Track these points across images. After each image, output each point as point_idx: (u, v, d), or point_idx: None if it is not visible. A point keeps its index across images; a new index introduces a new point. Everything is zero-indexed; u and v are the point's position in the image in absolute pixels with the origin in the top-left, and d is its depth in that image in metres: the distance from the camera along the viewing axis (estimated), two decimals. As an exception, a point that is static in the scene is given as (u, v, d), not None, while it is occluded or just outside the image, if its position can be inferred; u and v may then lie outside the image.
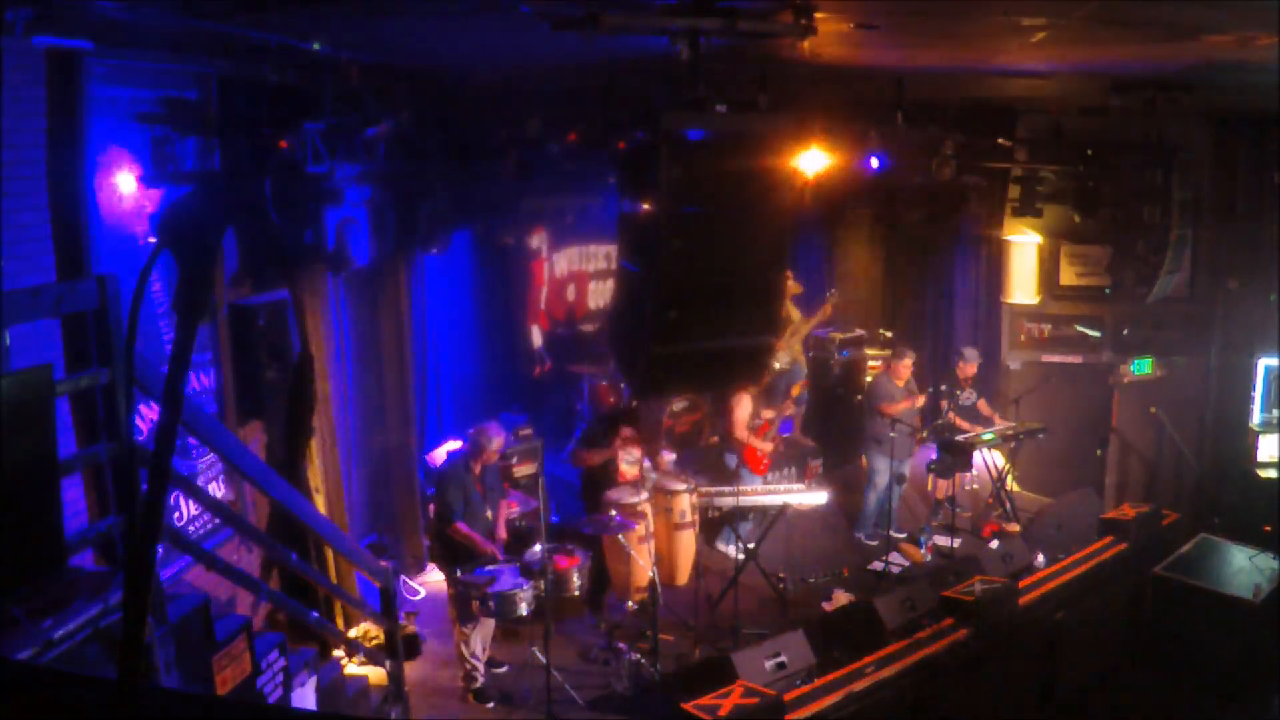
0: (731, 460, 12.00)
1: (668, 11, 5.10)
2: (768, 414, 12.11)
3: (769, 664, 8.01)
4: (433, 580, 10.88)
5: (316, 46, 6.33)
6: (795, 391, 12.61)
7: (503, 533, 9.35)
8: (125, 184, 6.56)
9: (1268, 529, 10.52)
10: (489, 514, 9.19)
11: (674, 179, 5.46)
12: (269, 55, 6.58)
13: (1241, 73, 7.15)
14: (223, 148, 7.18)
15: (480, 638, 9.11)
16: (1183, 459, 12.65)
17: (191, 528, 7.22)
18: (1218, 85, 8.43)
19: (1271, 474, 11.56)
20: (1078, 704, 9.33)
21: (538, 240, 12.71)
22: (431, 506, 9.89)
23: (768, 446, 11.83)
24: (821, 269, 15.43)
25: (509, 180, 9.18)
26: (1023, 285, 13.34)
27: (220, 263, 7.44)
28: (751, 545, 10.82)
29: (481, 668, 9.14)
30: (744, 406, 11.75)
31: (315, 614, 8.36)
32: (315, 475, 9.13)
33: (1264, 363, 11.98)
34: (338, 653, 8.79)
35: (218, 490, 7.63)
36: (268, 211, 7.61)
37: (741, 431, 11.75)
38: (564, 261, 13.43)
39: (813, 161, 9.97)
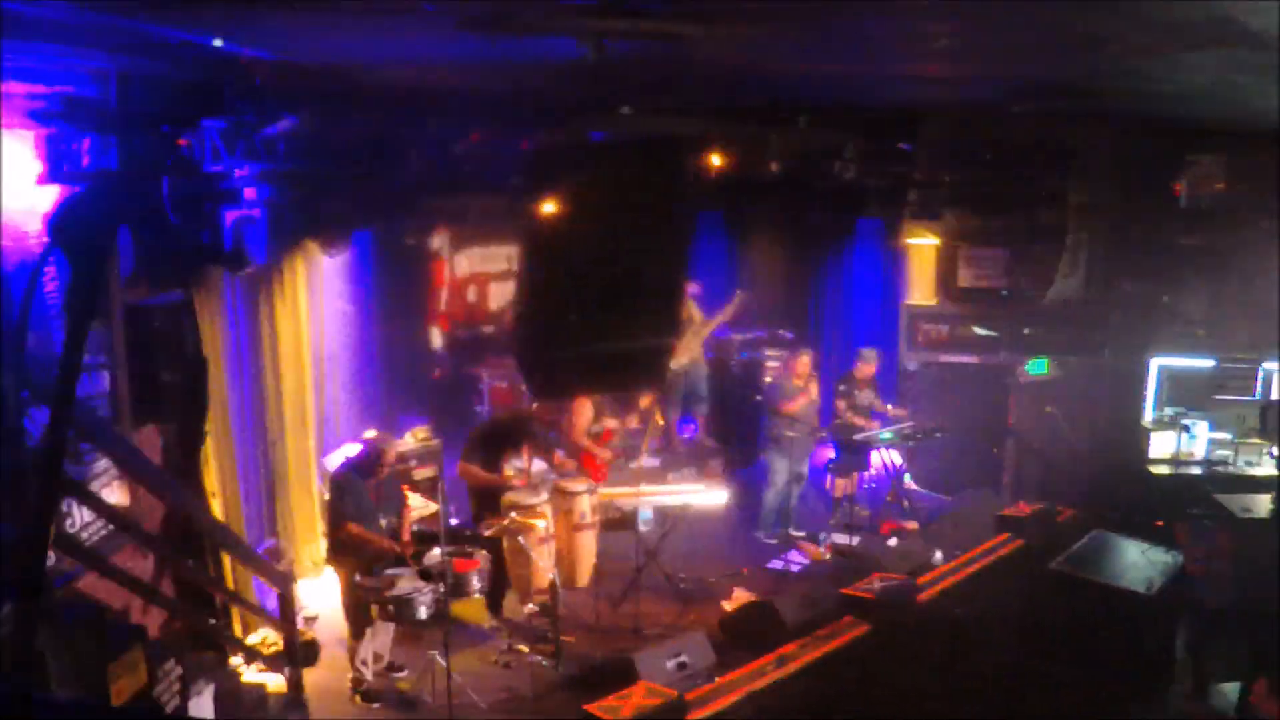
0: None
1: (574, 13, 5.09)
2: (610, 423, 12.11)
3: (670, 664, 8.07)
4: (331, 586, 10.75)
5: (219, 43, 6.22)
6: (644, 403, 12.62)
7: (406, 537, 9.25)
8: (19, 182, 6.41)
9: (1160, 524, 10.77)
10: (382, 523, 9.05)
11: (577, 181, 5.47)
12: (170, 51, 6.45)
13: (1140, 79, 7.31)
14: (121, 145, 7.03)
15: (377, 643, 9.02)
16: (1078, 456, 12.92)
17: (84, 534, 7.05)
18: (1117, 91, 8.61)
19: (1164, 470, 11.84)
20: (979, 699, 9.49)
21: (439, 241, 12.63)
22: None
23: (606, 454, 11.79)
24: (723, 269, 15.52)
25: (411, 180, 9.11)
26: (921, 287, 13.58)
27: (115, 263, 7.29)
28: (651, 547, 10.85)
29: (369, 673, 9.03)
30: (584, 412, 11.72)
31: (212, 621, 8.24)
32: (211, 479, 8.95)
33: (1157, 362, 12.29)
34: (235, 660, 8.65)
35: (112, 495, 7.46)
36: (165, 211, 7.49)
37: (581, 437, 11.72)
38: (465, 263, 13.35)
39: (715, 163, 10.04)
